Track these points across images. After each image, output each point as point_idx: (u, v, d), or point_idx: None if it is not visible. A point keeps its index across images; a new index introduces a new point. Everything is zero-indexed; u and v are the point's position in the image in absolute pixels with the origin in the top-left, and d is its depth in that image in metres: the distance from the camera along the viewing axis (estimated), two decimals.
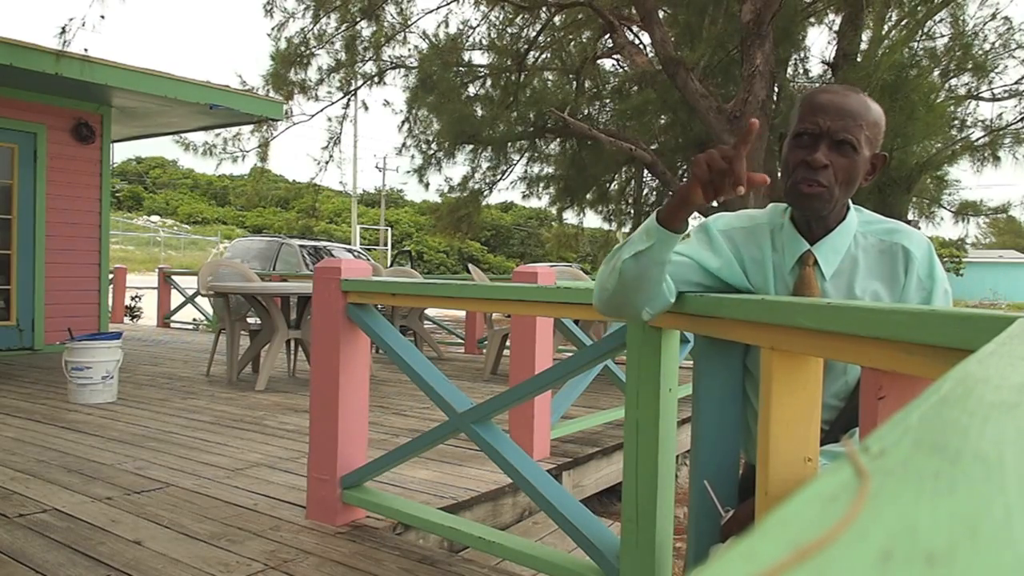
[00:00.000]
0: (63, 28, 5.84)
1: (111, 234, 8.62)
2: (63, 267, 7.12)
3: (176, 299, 10.97)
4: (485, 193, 13.21)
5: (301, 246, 10.78)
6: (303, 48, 11.76)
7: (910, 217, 10.42)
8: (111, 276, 9.27)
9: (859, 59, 8.99)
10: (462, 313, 9.20)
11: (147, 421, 4.16)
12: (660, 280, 1.38)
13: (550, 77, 12.86)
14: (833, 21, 10.45)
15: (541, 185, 13.34)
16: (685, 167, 12.19)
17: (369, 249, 30.13)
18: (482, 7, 12.30)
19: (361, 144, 39.93)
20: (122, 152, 51.61)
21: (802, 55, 10.65)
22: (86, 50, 5.99)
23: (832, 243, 1.40)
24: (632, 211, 13.71)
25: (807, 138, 1.35)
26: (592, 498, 3.83)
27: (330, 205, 42.00)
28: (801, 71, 10.76)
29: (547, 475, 2.19)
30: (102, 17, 6.83)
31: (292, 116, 12.07)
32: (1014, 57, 9.96)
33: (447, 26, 12.60)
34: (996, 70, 10.00)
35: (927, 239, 1.41)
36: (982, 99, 10.36)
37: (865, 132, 1.34)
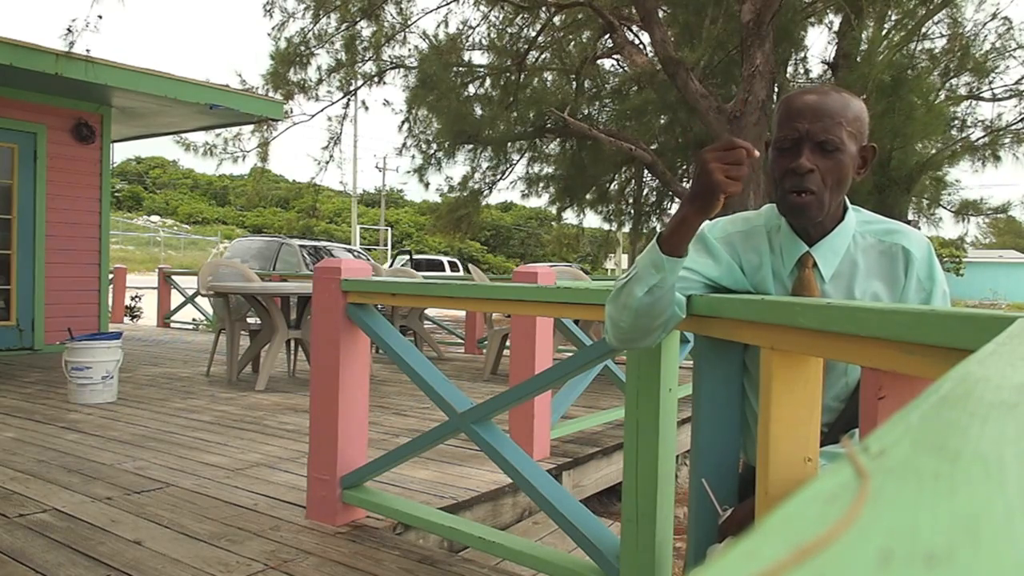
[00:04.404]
0: (68, 29, 5.85)
1: (111, 234, 8.62)
2: (63, 267, 7.12)
3: (176, 299, 10.97)
4: (485, 193, 13.22)
5: (301, 246, 10.79)
6: (303, 48, 11.77)
7: (910, 217, 10.42)
8: (111, 276, 9.27)
9: (859, 59, 9.00)
10: (462, 313, 9.20)
11: (147, 421, 4.16)
12: (672, 301, 1.39)
13: (550, 77, 12.87)
14: (833, 21, 10.46)
15: (541, 185, 13.36)
16: (685, 167, 12.19)
17: (369, 249, 30.13)
18: (482, 7, 12.31)
19: (361, 144, 39.97)
20: (122, 152, 51.68)
21: (802, 55, 10.67)
22: (88, 50, 5.99)
23: (831, 244, 1.38)
24: (632, 211, 13.72)
25: (789, 144, 1.33)
26: (592, 498, 3.83)
27: (330, 205, 42.05)
28: (801, 71, 10.78)
29: (547, 475, 2.19)
30: (100, 17, 6.84)
31: (292, 116, 12.08)
32: (1014, 57, 9.96)
33: (447, 26, 12.63)
34: (996, 70, 10.00)
35: (927, 240, 1.40)
36: (982, 99, 10.36)
37: (847, 128, 1.32)
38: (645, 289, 1.33)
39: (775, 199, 1.39)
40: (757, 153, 1.25)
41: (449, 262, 21.17)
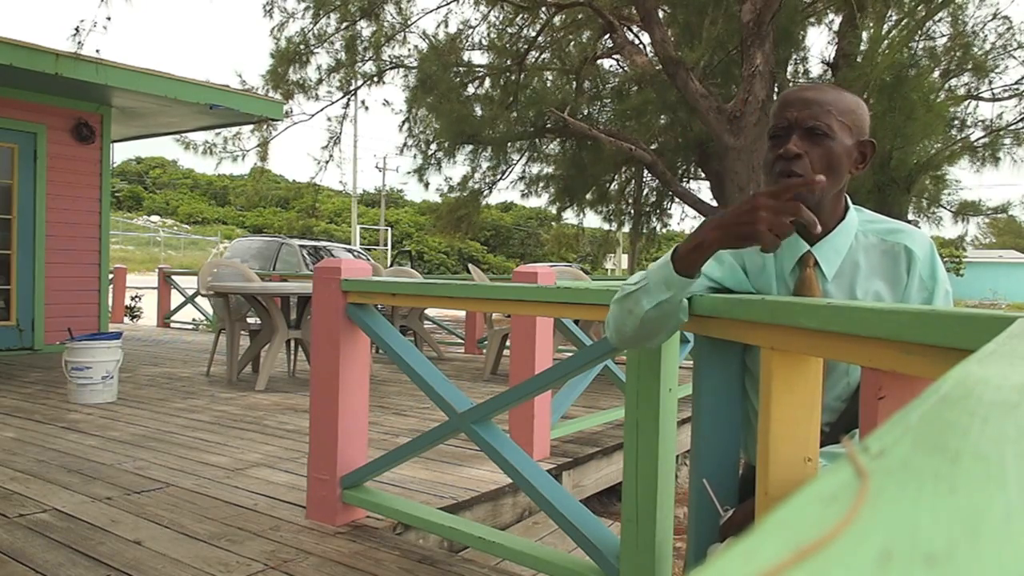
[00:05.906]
0: (76, 30, 5.86)
1: (111, 234, 8.62)
2: (63, 267, 7.12)
3: (176, 299, 10.97)
4: (485, 193, 13.22)
5: (301, 246, 10.78)
6: (303, 48, 11.77)
7: (910, 217, 10.43)
8: (111, 276, 9.27)
9: (859, 59, 9.00)
10: (462, 313, 9.20)
11: (147, 421, 4.16)
12: (679, 311, 1.38)
13: (550, 77, 12.86)
14: (833, 21, 10.47)
15: (541, 185, 13.35)
16: (685, 167, 12.19)
17: (369, 249, 30.12)
18: (482, 7, 12.31)
19: (361, 144, 39.97)
20: (122, 152, 51.73)
21: (802, 55, 10.66)
22: (98, 51, 6.00)
23: (833, 243, 1.38)
24: (632, 211, 13.72)
25: (779, 132, 1.35)
26: (592, 498, 3.83)
27: (330, 205, 42.05)
28: (801, 71, 10.77)
29: (547, 475, 2.19)
30: (108, 19, 6.84)
31: (292, 116, 12.08)
32: (1014, 57, 9.97)
33: (447, 26, 12.63)
34: (996, 70, 10.01)
35: (929, 239, 1.40)
36: (982, 99, 10.37)
37: (837, 118, 1.32)
38: (654, 303, 1.33)
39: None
40: (821, 179, 1.19)
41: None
